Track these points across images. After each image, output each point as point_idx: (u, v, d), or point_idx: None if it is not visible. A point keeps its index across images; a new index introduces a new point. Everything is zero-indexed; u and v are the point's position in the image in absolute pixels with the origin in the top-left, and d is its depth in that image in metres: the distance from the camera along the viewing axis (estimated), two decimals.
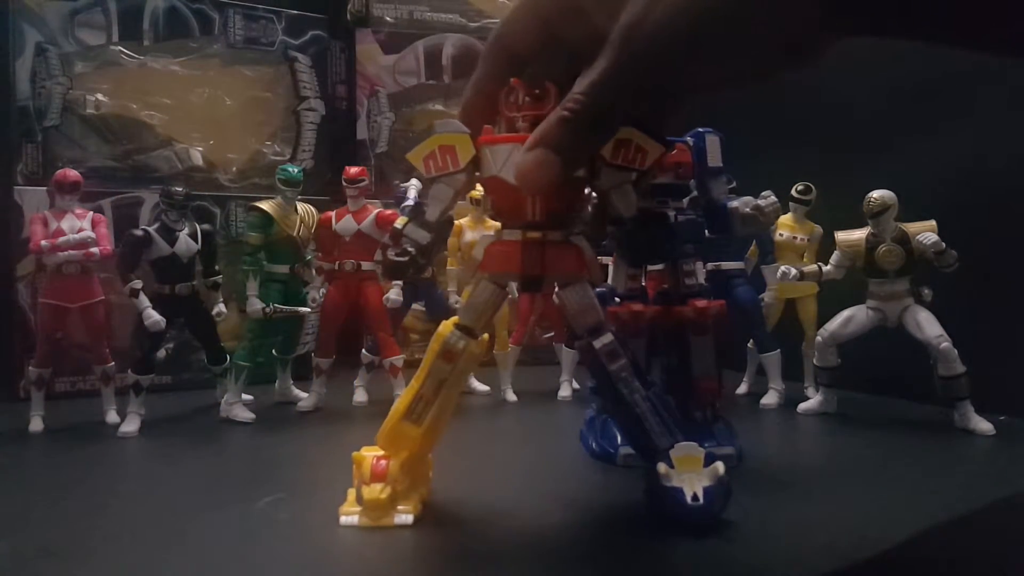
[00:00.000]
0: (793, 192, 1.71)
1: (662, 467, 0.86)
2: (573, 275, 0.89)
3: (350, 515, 0.88)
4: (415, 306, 1.83)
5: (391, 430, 0.91)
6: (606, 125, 0.74)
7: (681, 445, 0.88)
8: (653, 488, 0.88)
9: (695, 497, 0.84)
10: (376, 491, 0.87)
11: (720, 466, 0.87)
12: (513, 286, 1.81)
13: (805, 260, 1.70)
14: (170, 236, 1.51)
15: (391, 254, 0.90)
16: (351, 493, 0.92)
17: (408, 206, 1.70)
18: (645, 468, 0.91)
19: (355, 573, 0.76)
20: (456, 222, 1.76)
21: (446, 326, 0.91)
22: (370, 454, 0.91)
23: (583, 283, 0.90)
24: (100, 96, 1.89)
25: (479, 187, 1.70)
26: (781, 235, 1.73)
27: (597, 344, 0.90)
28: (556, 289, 0.92)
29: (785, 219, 1.73)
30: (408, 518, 0.88)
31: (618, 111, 0.72)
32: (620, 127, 0.78)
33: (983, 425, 1.35)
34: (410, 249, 0.89)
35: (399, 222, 0.91)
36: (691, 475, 0.86)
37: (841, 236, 1.55)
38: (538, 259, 0.87)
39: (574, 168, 0.78)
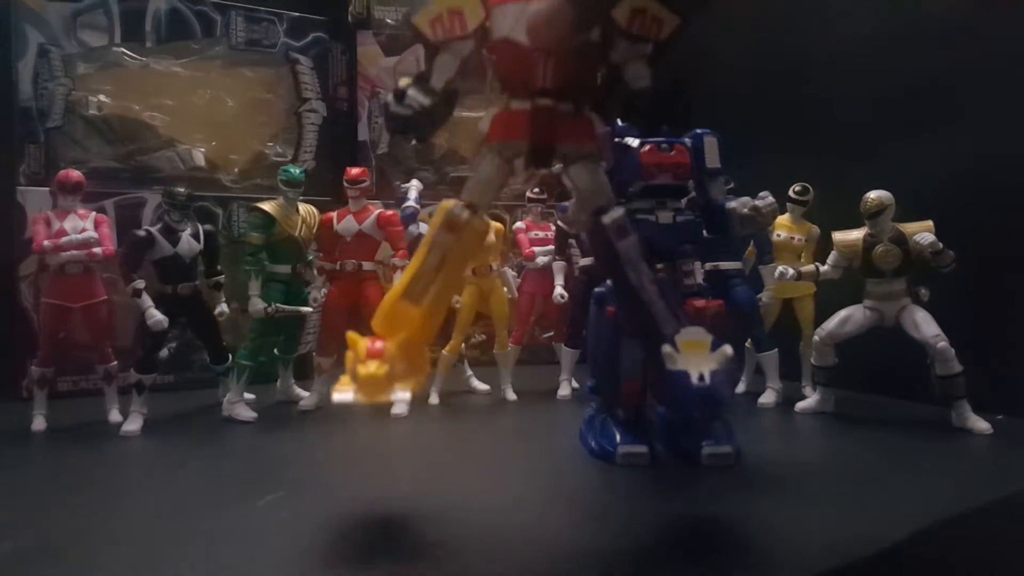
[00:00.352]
0: (791, 193, 1.72)
1: (667, 348, 0.81)
2: (584, 148, 0.84)
3: (343, 393, 0.82)
4: None
5: (388, 310, 0.86)
6: None
7: (688, 330, 0.83)
8: (659, 378, 0.82)
9: (701, 377, 0.79)
10: (372, 367, 0.81)
11: (728, 349, 0.81)
12: (509, 276, 1.84)
13: (803, 260, 1.71)
14: (172, 236, 1.52)
15: (393, 106, 0.85)
16: (343, 379, 0.86)
17: (410, 206, 1.71)
18: (649, 362, 0.85)
19: (355, 572, 0.77)
20: None
21: (448, 200, 0.87)
22: (365, 338, 0.86)
23: (594, 161, 0.85)
24: (102, 97, 1.89)
25: None
26: (779, 235, 1.73)
27: (606, 219, 0.85)
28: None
29: (783, 219, 1.73)
30: (406, 395, 0.83)
31: None
32: None
33: (980, 424, 1.36)
34: (413, 106, 0.84)
35: (403, 81, 0.86)
36: (697, 358, 0.81)
37: (838, 236, 1.56)
38: (548, 128, 0.82)
39: (588, 22, 0.74)
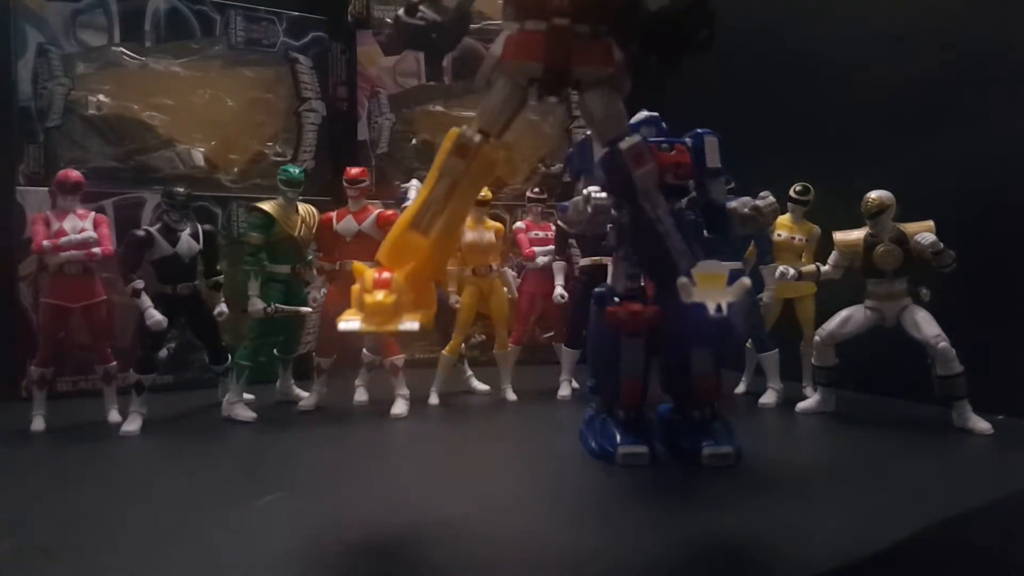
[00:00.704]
0: (791, 193, 1.72)
1: (682, 280, 0.79)
2: (601, 72, 0.81)
3: (350, 321, 0.80)
4: None
5: (396, 240, 0.83)
6: None
7: (704, 263, 0.82)
8: (673, 312, 0.81)
9: (718, 308, 0.78)
10: (379, 296, 0.79)
11: (746, 281, 0.80)
12: (509, 276, 1.83)
13: (803, 260, 1.71)
14: (172, 236, 1.51)
15: (405, 18, 0.82)
16: (350, 311, 0.84)
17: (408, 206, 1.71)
18: (660, 302, 0.85)
19: (355, 572, 0.77)
20: None
21: (456, 128, 0.84)
22: (371, 267, 0.84)
23: (611, 87, 0.82)
24: (102, 97, 1.89)
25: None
26: (779, 235, 1.73)
27: (623, 145, 0.83)
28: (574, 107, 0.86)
29: (783, 219, 1.73)
30: (415, 324, 0.80)
31: None
32: None
33: (981, 424, 1.36)
34: (426, 19, 0.81)
35: None
36: (714, 290, 0.79)
37: (839, 236, 1.56)
38: (564, 50, 0.79)
39: None
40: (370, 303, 0.78)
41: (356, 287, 0.82)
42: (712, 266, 0.81)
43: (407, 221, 0.83)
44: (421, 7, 0.82)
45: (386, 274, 0.81)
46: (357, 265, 0.84)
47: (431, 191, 0.82)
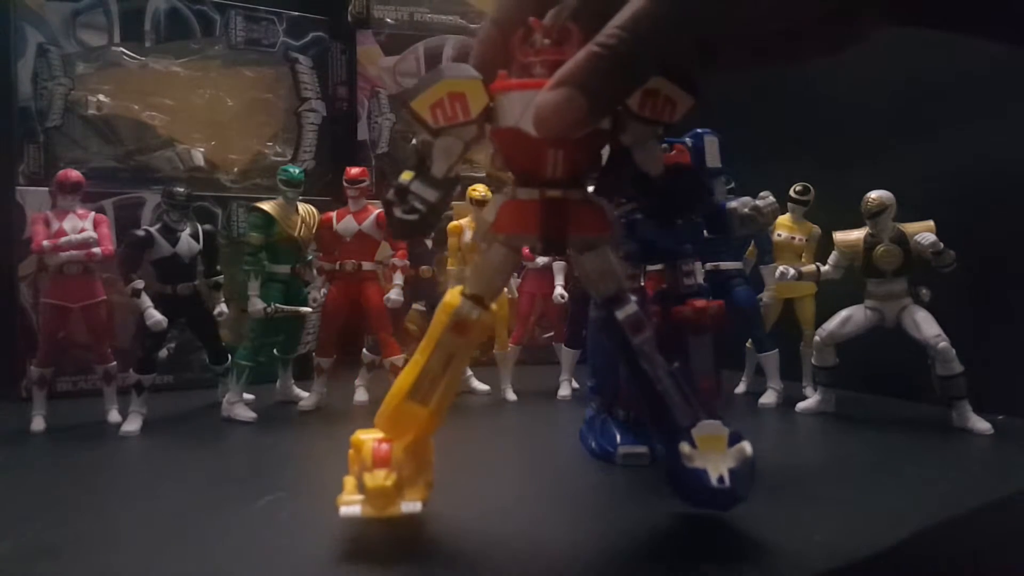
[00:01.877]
0: (791, 192, 1.72)
1: (685, 447, 0.79)
2: (598, 237, 0.81)
3: (351, 505, 0.79)
4: (415, 306, 1.84)
5: (395, 410, 0.82)
6: (644, 65, 0.66)
7: (704, 424, 0.81)
8: (674, 471, 0.81)
9: (720, 479, 0.78)
10: (380, 478, 0.78)
11: (747, 446, 0.81)
12: (514, 284, 1.83)
13: (803, 260, 1.71)
14: (172, 236, 1.52)
15: (399, 212, 0.80)
16: (348, 481, 0.85)
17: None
18: (666, 450, 0.84)
19: (354, 572, 0.77)
20: (456, 222, 1.76)
21: (453, 295, 0.82)
22: (369, 436, 0.83)
23: (605, 246, 0.82)
24: (102, 97, 1.89)
25: (480, 186, 1.72)
26: (779, 235, 1.73)
27: (620, 315, 0.82)
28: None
29: (783, 219, 1.73)
30: (417, 505, 0.80)
31: (658, 51, 0.64)
32: (653, 73, 0.70)
33: (981, 424, 1.36)
34: (419, 207, 0.80)
35: (404, 176, 0.81)
36: (715, 456, 0.79)
37: (839, 236, 1.56)
38: (560, 219, 0.79)
39: (602, 113, 0.71)
40: (372, 487, 0.77)
41: (352, 453, 0.82)
42: (713, 427, 0.81)
43: (404, 390, 0.82)
44: (413, 187, 0.80)
45: (385, 446, 0.80)
46: (355, 438, 0.83)
47: (427, 361, 0.81)
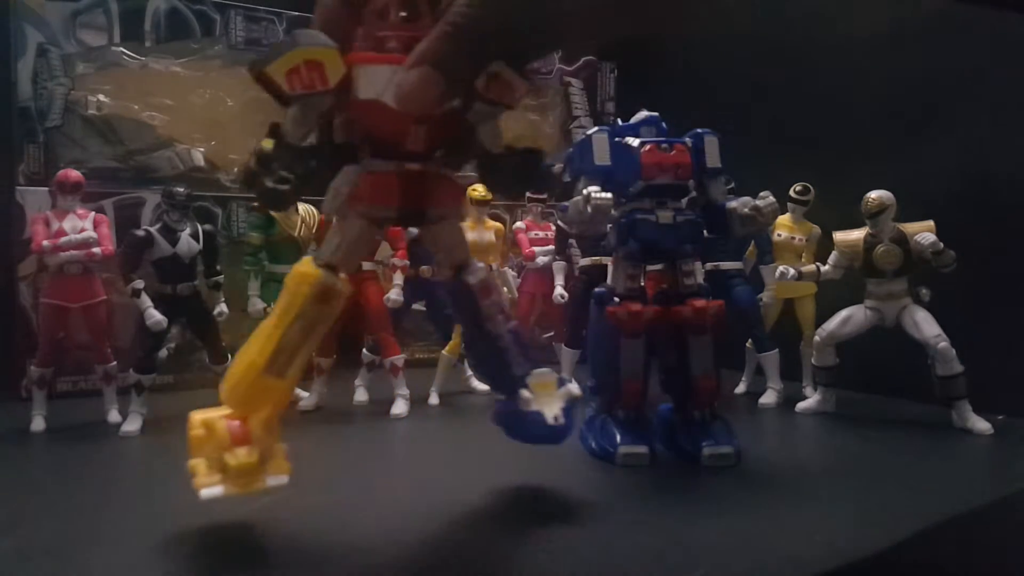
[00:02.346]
0: (791, 192, 1.72)
1: (525, 393, 0.93)
2: (453, 208, 0.87)
3: (211, 488, 0.78)
4: (415, 306, 1.84)
5: (249, 386, 0.79)
6: (491, 42, 0.69)
7: (537, 372, 0.95)
8: (510, 415, 0.96)
9: (556, 418, 0.93)
10: (243, 455, 0.76)
11: (573, 388, 0.90)
12: (509, 277, 1.83)
13: (803, 260, 1.71)
14: (172, 236, 1.51)
15: (269, 182, 0.77)
16: (198, 465, 0.82)
17: None
18: (497, 400, 0.99)
19: (355, 572, 0.77)
20: None
21: (307, 264, 0.81)
22: (215, 415, 0.80)
23: (456, 218, 0.89)
24: (102, 97, 1.89)
25: (480, 186, 1.72)
26: (779, 235, 1.73)
27: (472, 280, 0.89)
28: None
29: (783, 219, 1.73)
30: (283, 479, 0.79)
31: (504, 27, 0.67)
32: (497, 53, 0.73)
33: (981, 424, 1.36)
34: (287, 176, 0.78)
35: (265, 144, 0.79)
36: (549, 398, 0.94)
37: (839, 236, 1.56)
38: (418, 192, 0.81)
39: (457, 88, 0.74)
40: (235, 465, 0.76)
41: (199, 435, 0.80)
42: (543, 374, 0.95)
43: (261, 366, 0.78)
44: (277, 154, 0.78)
45: (240, 423, 0.78)
46: (204, 419, 0.80)
47: (284, 334, 0.79)
